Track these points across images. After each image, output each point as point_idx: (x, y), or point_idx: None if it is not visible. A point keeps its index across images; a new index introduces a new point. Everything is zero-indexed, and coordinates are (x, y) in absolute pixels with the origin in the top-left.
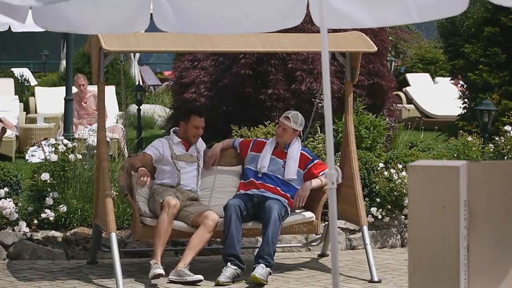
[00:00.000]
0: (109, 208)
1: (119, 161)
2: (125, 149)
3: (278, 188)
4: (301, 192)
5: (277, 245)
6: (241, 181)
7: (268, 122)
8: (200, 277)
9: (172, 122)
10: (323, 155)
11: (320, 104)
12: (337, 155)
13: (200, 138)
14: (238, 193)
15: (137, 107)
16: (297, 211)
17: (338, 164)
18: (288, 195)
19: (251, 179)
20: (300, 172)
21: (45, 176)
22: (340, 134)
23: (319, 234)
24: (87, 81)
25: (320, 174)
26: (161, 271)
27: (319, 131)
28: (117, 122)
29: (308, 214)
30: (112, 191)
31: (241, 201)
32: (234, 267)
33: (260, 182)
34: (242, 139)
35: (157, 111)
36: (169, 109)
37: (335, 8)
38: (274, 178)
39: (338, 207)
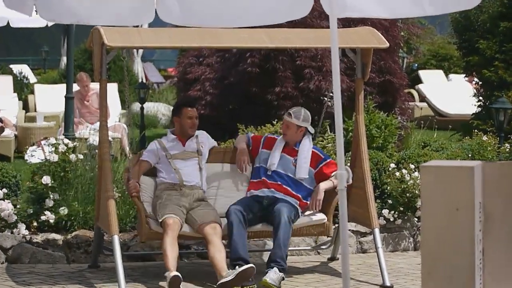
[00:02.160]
0: (112, 210)
1: (121, 161)
2: (128, 149)
3: (289, 188)
4: (317, 196)
5: None
6: (251, 179)
7: (275, 121)
8: (249, 265)
9: None
10: (333, 155)
11: (330, 103)
12: (347, 155)
13: (208, 135)
14: (246, 196)
15: (140, 105)
16: (307, 213)
17: (349, 164)
18: (300, 195)
19: (262, 177)
20: (311, 171)
21: (46, 179)
22: (351, 134)
23: (329, 237)
24: (90, 78)
25: (332, 174)
26: (177, 273)
27: (328, 131)
28: (119, 121)
29: (320, 216)
30: (114, 192)
31: (242, 206)
32: None
33: (271, 181)
34: (253, 134)
35: (160, 109)
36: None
37: None
38: (285, 176)
39: (349, 209)
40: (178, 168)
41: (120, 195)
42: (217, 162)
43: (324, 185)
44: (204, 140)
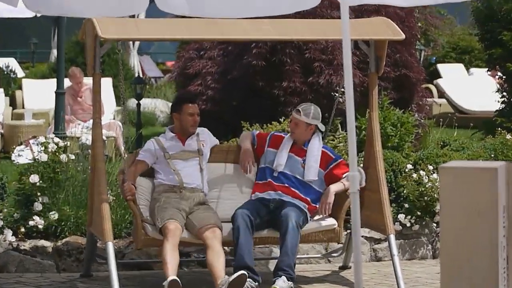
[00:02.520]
0: (106, 215)
1: (116, 161)
2: (123, 149)
3: (297, 190)
4: (326, 199)
5: None
6: (257, 181)
7: (282, 118)
8: (240, 271)
9: None
10: (345, 155)
11: (341, 99)
12: (360, 156)
13: (209, 133)
14: (250, 198)
15: (136, 101)
16: (316, 217)
17: (362, 165)
18: (309, 198)
19: (268, 179)
20: (321, 173)
21: (34, 178)
22: (364, 132)
23: (341, 243)
24: (83, 74)
25: (343, 176)
26: (175, 277)
27: (340, 129)
28: (114, 119)
29: (330, 221)
30: (108, 196)
31: (250, 210)
32: (248, 279)
33: (278, 183)
34: (258, 131)
35: (158, 106)
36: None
37: None
38: (293, 178)
39: (362, 214)
40: (177, 169)
41: (114, 198)
42: (219, 162)
43: (334, 188)
44: (206, 139)
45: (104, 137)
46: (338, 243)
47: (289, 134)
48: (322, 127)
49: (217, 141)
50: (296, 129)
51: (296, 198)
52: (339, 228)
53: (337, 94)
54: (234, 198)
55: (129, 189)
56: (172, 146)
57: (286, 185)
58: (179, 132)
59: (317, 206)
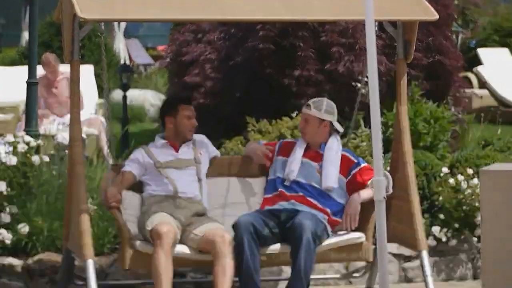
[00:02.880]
0: (85, 228)
1: (98, 165)
2: (107, 149)
3: (314, 200)
4: (350, 210)
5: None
6: (265, 195)
7: (295, 113)
8: None
9: None
10: (369, 157)
11: (364, 90)
12: (386, 157)
13: (208, 141)
14: (257, 209)
15: (122, 93)
16: (339, 232)
17: (388, 169)
18: (328, 210)
19: (279, 189)
20: (342, 180)
21: (1, 185)
22: (391, 130)
23: (369, 262)
24: (58, 61)
25: (369, 182)
26: None
27: (362, 126)
28: (96, 113)
29: (355, 234)
30: (89, 205)
31: (256, 218)
32: None
33: (291, 193)
34: (264, 141)
35: (148, 98)
36: (164, 96)
37: None
38: (308, 187)
39: (389, 226)
40: (171, 177)
41: (96, 208)
42: (221, 176)
43: (360, 195)
44: (204, 147)
45: (84, 135)
46: (368, 262)
47: (300, 138)
48: (339, 127)
49: (217, 152)
50: (307, 127)
51: (312, 208)
52: (367, 242)
53: (359, 85)
54: (238, 215)
55: (113, 194)
56: (163, 154)
57: (301, 194)
58: (172, 139)
59: (339, 219)
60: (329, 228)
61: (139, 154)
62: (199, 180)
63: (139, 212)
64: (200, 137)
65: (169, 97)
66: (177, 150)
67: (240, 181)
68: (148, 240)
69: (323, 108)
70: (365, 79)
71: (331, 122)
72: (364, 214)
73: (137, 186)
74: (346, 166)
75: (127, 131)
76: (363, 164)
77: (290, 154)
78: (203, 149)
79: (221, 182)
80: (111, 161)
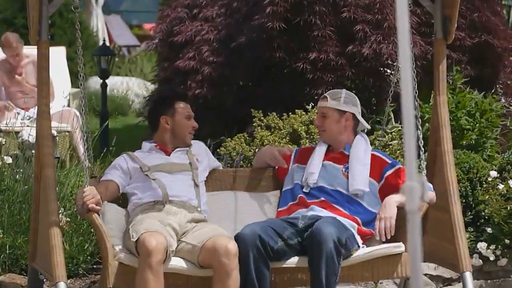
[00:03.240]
0: (56, 244)
1: (72, 168)
2: (82, 149)
3: (339, 206)
4: (385, 213)
5: None
6: (280, 208)
7: (310, 105)
8: None
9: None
10: (400, 158)
11: (395, 77)
12: (421, 159)
13: (207, 148)
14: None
15: (101, 80)
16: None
17: (424, 172)
18: (358, 219)
19: (299, 195)
20: (373, 185)
21: None
22: (427, 125)
23: (407, 279)
24: (22, 42)
25: (401, 189)
26: None
27: (393, 120)
28: (69, 105)
29: (392, 244)
30: (61, 216)
31: (265, 227)
32: None
33: (311, 200)
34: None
35: (132, 87)
36: (151, 84)
37: None
38: (333, 193)
39: (425, 242)
40: (161, 180)
41: (69, 220)
42: (225, 190)
43: (396, 198)
44: (201, 153)
45: (54, 132)
46: (407, 279)
47: (319, 141)
48: (365, 123)
49: (218, 164)
50: (324, 123)
51: (339, 215)
52: (406, 254)
53: (388, 71)
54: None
55: (91, 194)
56: (151, 157)
57: (323, 198)
58: (164, 142)
59: (371, 230)
60: (358, 238)
61: (121, 160)
62: (196, 185)
63: (125, 225)
64: (198, 144)
65: (162, 94)
66: (168, 154)
67: (247, 194)
68: (134, 254)
69: (342, 98)
70: (396, 64)
71: (354, 116)
72: (402, 221)
73: (123, 201)
74: (378, 168)
75: (107, 127)
76: (398, 166)
77: (308, 160)
78: (201, 155)
79: (224, 196)
80: (87, 163)
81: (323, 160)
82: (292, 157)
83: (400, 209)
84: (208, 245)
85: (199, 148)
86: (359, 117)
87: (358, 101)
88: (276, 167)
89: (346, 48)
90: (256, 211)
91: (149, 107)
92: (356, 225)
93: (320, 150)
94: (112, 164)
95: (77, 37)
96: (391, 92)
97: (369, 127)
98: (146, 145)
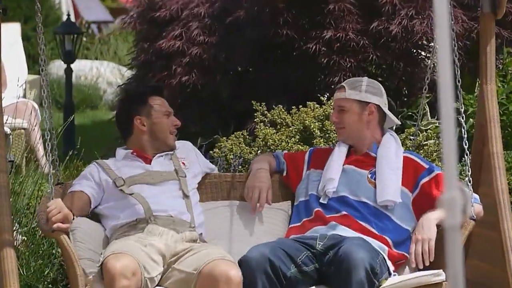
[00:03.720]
0: (9, 269)
1: (29, 173)
2: (41, 150)
3: (366, 223)
4: (422, 234)
5: None
6: (291, 225)
7: (325, 95)
8: None
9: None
10: (437, 161)
11: (431, 61)
12: (464, 162)
13: (196, 149)
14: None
15: (65, 65)
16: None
17: (467, 180)
18: (388, 238)
19: (315, 209)
20: (406, 195)
21: None
22: (472, 120)
23: None
24: None
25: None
26: None
27: (428, 115)
28: (25, 96)
29: (431, 271)
30: (15, 234)
31: (275, 249)
32: None
33: (330, 214)
34: (285, 151)
35: (104, 74)
36: (127, 70)
37: None
38: (357, 204)
39: (469, 264)
40: (142, 195)
41: (25, 238)
42: (221, 199)
43: (434, 214)
44: (189, 155)
45: (7, 130)
46: None
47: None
48: (393, 118)
49: (211, 167)
50: (342, 118)
51: (365, 234)
52: (447, 284)
53: (423, 53)
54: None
55: (57, 208)
56: (127, 167)
57: (344, 212)
58: (141, 148)
59: (405, 253)
60: (389, 264)
61: (93, 169)
62: (185, 195)
63: (101, 248)
64: (184, 145)
65: (131, 89)
66: (149, 162)
67: (249, 205)
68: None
69: (363, 87)
70: (432, 45)
71: (378, 107)
72: (439, 247)
73: (95, 216)
74: (412, 174)
75: (73, 123)
76: (436, 171)
77: (325, 164)
78: (190, 159)
79: (219, 208)
80: (51, 169)
81: (343, 164)
82: (306, 159)
83: (440, 227)
84: (205, 272)
85: (186, 150)
86: (386, 109)
87: (384, 90)
88: (285, 173)
89: (369, 25)
90: (261, 227)
91: (117, 108)
92: (387, 248)
93: (340, 152)
94: (82, 173)
95: (36, 10)
96: (426, 80)
97: (398, 122)
98: (120, 152)
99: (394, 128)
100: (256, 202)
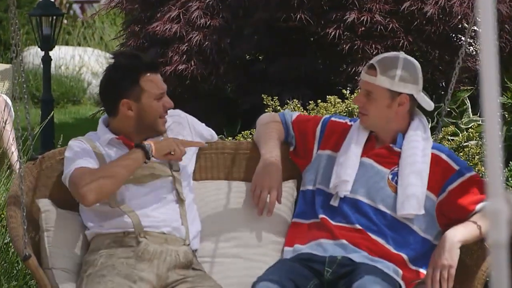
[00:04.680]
0: None
1: (1, 179)
2: (15, 152)
3: (381, 239)
4: (442, 258)
5: None
6: (295, 219)
7: (347, 88)
8: None
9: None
10: (480, 165)
11: (472, 48)
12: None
13: (190, 118)
14: (282, 257)
15: (42, 53)
16: None
17: None
18: (405, 255)
19: (320, 216)
20: (430, 199)
21: None
22: None
23: None
24: None
25: (476, 209)
26: None
27: (469, 111)
28: None
29: None
30: None
31: (281, 280)
32: None
33: (341, 223)
34: (298, 113)
35: (89, 63)
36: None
37: None
38: (373, 213)
39: None
40: (128, 202)
41: None
42: (217, 179)
43: (459, 233)
44: (183, 131)
45: None
46: None
47: (358, 119)
48: (427, 102)
49: (210, 133)
50: (368, 105)
51: (379, 255)
52: None
53: (462, 38)
54: (249, 257)
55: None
56: (113, 157)
57: (359, 226)
58: (128, 133)
59: (422, 271)
60: (403, 285)
61: (81, 145)
62: (180, 200)
63: (80, 259)
64: (175, 118)
65: (120, 59)
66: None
67: (249, 187)
68: None
69: (397, 74)
70: (473, 30)
71: (411, 97)
72: (464, 268)
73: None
74: (439, 176)
75: (52, 120)
76: (468, 174)
77: (341, 147)
78: (184, 136)
79: (216, 189)
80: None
81: (361, 156)
82: (317, 134)
83: (464, 251)
84: None
85: (177, 126)
86: (419, 95)
87: (420, 70)
88: (292, 148)
89: (400, 5)
90: (260, 218)
91: (102, 80)
92: (401, 271)
93: (359, 138)
94: (76, 150)
95: None
96: (458, 65)
97: (432, 105)
98: (103, 131)
99: (429, 125)
100: (265, 203)
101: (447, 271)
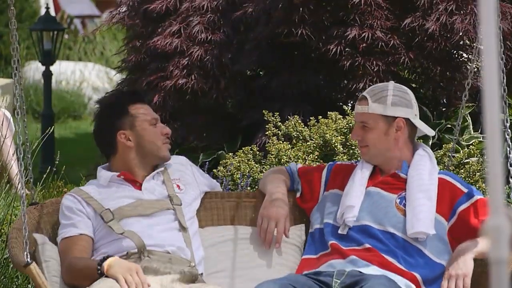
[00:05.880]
0: None
1: (1, 194)
2: (15, 167)
3: (392, 258)
4: (456, 269)
5: None
6: (305, 256)
7: (349, 104)
8: None
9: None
10: (481, 182)
11: (474, 65)
12: None
13: (192, 164)
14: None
15: (43, 67)
16: None
17: None
18: (418, 275)
19: (330, 242)
20: (440, 224)
21: None
22: None
23: None
24: None
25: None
26: None
27: (470, 128)
28: None
29: None
30: None
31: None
32: None
33: (349, 247)
34: (301, 165)
35: (90, 78)
36: (116, 73)
37: None
38: (382, 235)
39: None
40: (131, 230)
41: None
42: (223, 224)
43: (472, 246)
44: (184, 174)
45: None
46: None
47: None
48: (426, 129)
49: (214, 183)
50: (366, 136)
51: (389, 270)
52: None
53: (464, 55)
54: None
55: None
56: (114, 195)
57: (367, 245)
58: (129, 168)
59: None
60: None
61: (70, 203)
62: (183, 228)
63: None
64: (178, 161)
65: (106, 100)
66: (138, 187)
67: (254, 231)
68: None
69: (388, 98)
70: (475, 45)
71: (408, 121)
72: (481, 278)
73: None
74: (448, 199)
75: (52, 136)
76: (477, 197)
77: (346, 184)
78: (186, 179)
79: (220, 233)
80: (24, 189)
81: (367, 186)
82: (323, 179)
83: (480, 261)
84: None
85: (180, 166)
86: (416, 120)
87: (414, 98)
88: (299, 194)
89: (401, 22)
90: (269, 258)
91: (95, 124)
92: (414, 286)
93: (363, 172)
94: (66, 212)
95: (8, 3)
96: (467, 86)
97: (432, 132)
98: (104, 174)
99: (430, 142)
100: (272, 235)
101: (461, 281)
